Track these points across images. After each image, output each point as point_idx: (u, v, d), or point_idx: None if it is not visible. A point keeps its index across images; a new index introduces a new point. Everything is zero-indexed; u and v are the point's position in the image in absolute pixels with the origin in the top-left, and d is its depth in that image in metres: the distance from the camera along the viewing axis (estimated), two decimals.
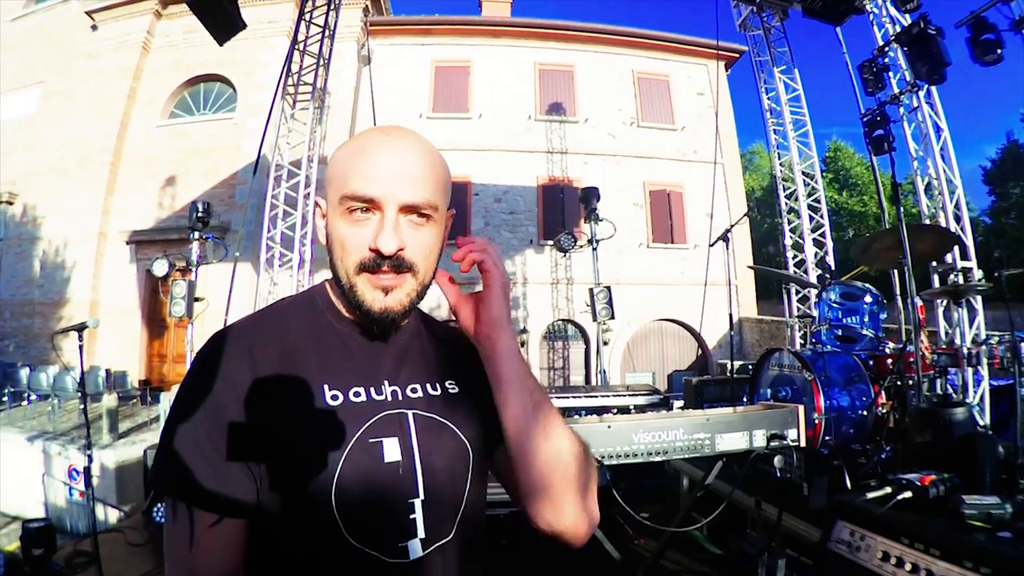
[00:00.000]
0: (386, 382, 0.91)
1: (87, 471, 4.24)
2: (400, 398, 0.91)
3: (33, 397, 10.29)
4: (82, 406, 4.31)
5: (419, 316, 1.02)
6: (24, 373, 10.67)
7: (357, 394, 0.87)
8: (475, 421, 0.97)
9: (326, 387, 0.86)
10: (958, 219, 6.92)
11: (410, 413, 0.90)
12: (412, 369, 0.96)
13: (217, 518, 0.78)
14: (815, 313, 4.94)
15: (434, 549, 0.87)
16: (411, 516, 0.86)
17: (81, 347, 4.10)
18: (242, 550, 0.81)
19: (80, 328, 4.12)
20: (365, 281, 0.86)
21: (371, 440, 0.85)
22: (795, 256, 9.72)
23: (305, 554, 0.80)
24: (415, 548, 0.85)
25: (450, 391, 0.97)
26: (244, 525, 0.81)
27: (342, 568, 0.81)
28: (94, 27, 14.68)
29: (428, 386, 0.95)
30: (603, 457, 2.06)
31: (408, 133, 0.88)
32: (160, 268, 8.05)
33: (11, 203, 14.35)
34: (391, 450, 0.86)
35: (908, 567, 1.84)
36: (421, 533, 0.86)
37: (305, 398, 0.84)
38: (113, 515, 7.03)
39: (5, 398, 10.34)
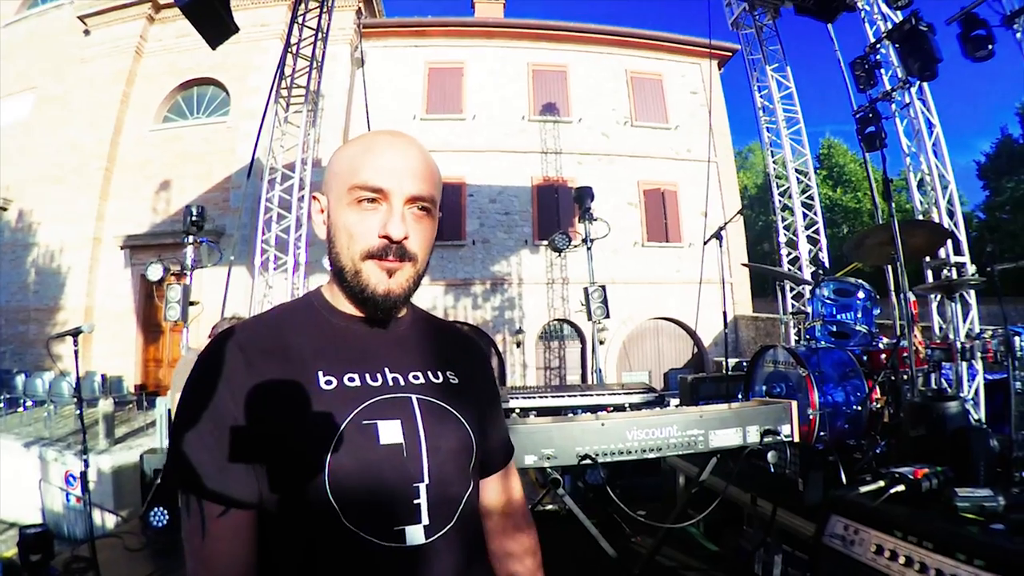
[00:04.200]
0: (386, 369, 0.93)
1: (84, 476, 4.20)
2: (403, 383, 0.93)
3: (29, 403, 10.27)
4: (78, 411, 4.28)
5: (416, 310, 1.06)
6: (20, 379, 10.66)
7: (352, 379, 0.89)
8: (476, 415, 0.99)
9: (320, 373, 0.88)
10: (951, 214, 6.95)
11: (414, 397, 0.92)
12: (412, 357, 0.98)
13: (223, 509, 0.81)
14: (809, 310, 4.95)
15: (438, 537, 0.86)
16: (415, 501, 0.85)
17: (76, 352, 4.09)
18: (252, 536, 0.84)
19: (75, 333, 4.08)
20: (371, 265, 0.90)
21: (365, 422, 0.85)
22: (789, 253, 9.76)
23: (303, 540, 0.82)
24: (415, 534, 0.84)
25: (451, 381, 0.99)
26: (252, 513, 0.83)
27: (338, 552, 0.81)
28: (87, 32, 14.63)
29: (430, 373, 0.97)
30: (597, 455, 2.06)
31: (411, 138, 0.96)
32: (155, 272, 8.04)
33: (5, 209, 14.31)
34: (388, 432, 0.86)
35: (902, 560, 1.84)
36: (425, 519, 0.85)
37: (300, 385, 0.86)
38: (110, 520, 7.01)
39: (1, 404, 10.29)
